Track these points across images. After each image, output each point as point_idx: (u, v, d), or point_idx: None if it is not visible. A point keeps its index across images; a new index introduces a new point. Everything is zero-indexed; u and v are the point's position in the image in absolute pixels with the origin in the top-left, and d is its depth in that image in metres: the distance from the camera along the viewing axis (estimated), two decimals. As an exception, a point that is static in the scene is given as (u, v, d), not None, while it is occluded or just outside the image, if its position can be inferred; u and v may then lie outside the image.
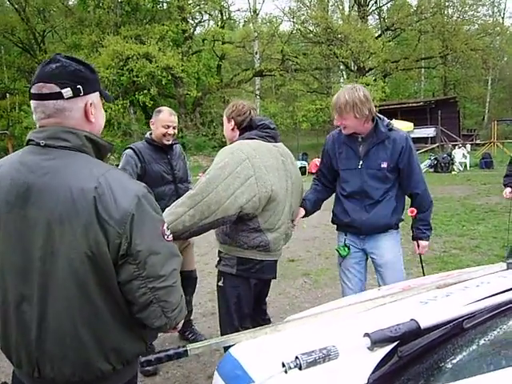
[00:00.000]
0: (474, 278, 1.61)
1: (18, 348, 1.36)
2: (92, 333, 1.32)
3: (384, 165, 2.73)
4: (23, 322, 1.32)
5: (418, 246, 3.07)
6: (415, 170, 2.81)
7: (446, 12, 33.31)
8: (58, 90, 1.32)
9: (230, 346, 1.66)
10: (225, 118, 2.71)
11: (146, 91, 24.19)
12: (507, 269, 1.67)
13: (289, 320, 1.55)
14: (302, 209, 2.86)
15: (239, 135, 2.63)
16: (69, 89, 1.33)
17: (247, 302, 2.62)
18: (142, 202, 1.30)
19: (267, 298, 4.71)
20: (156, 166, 3.43)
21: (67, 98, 1.34)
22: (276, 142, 2.63)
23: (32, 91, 1.34)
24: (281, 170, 2.49)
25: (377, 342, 1.16)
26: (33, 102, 1.35)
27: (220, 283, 2.63)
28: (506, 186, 5.13)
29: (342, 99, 2.65)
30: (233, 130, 2.66)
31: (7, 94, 32.87)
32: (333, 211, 2.98)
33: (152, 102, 24.60)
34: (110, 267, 1.28)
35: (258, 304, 2.85)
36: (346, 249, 2.87)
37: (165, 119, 3.46)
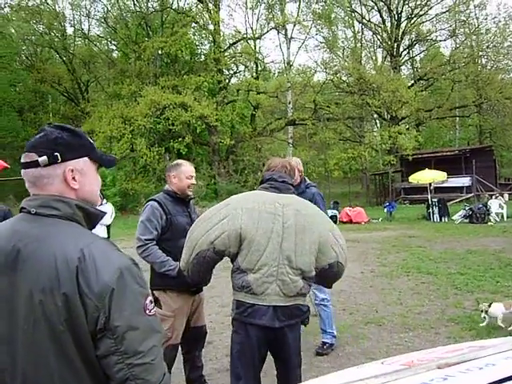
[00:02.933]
0: (478, 357, 1.51)
1: None
2: None
3: None
4: None
5: None
6: None
7: (479, 61, 33.38)
8: (36, 158, 1.35)
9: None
10: None
11: (181, 139, 24.83)
12: (518, 347, 1.56)
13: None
14: None
15: None
16: (45, 157, 1.35)
17: (249, 348, 2.67)
18: (125, 276, 1.28)
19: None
20: (180, 218, 3.47)
21: (44, 166, 1.35)
22: (281, 192, 2.79)
23: (21, 161, 1.39)
24: (264, 213, 2.62)
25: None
26: (21, 171, 1.40)
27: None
28: None
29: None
30: (260, 184, 2.95)
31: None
32: None
33: (186, 150, 25.24)
34: (88, 340, 1.26)
35: (280, 361, 2.87)
36: None
37: (188, 170, 3.53)
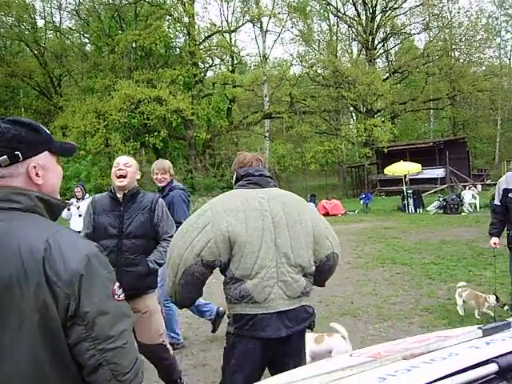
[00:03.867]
0: (443, 347, 1.51)
1: None
2: None
3: None
4: None
5: None
6: None
7: (452, 54, 33.91)
8: None
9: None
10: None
11: (156, 133, 24.59)
12: (483, 336, 1.57)
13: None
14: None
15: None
16: (5, 157, 1.33)
17: (249, 363, 2.37)
18: (92, 262, 1.30)
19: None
20: (102, 217, 3.26)
21: (5, 166, 1.34)
22: (262, 187, 2.52)
23: None
24: (250, 211, 2.36)
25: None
26: None
27: (225, 344, 2.45)
28: (491, 235, 4.85)
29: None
30: (236, 182, 2.64)
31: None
32: None
33: (162, 144, 25.03)
34: (59, 330, 1.26)
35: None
36: None
37: (117, 161, 3.38)
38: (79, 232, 2.85)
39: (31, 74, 31.22)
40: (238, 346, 2.36)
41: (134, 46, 27.66)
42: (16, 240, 1.28)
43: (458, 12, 33.63)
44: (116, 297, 1.34)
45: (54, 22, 33.96)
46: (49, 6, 33.35)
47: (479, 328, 1.64)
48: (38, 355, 1.26)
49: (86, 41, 34.91)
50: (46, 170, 1.41)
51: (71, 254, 1.28)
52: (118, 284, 1.37)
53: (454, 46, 33.22)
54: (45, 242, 1.27)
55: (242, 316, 2.33)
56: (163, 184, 4.38)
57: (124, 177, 3.27)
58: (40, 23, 33.47)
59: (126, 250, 3.23)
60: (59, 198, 1.48)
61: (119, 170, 3.27)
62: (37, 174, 1.38)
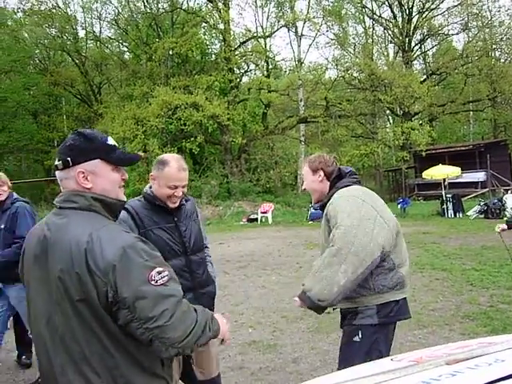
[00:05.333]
0: (487, 353, 1.50)
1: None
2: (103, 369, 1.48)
3: None
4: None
5: None
6: None
7: (493, 54, 32.96)
8: (56, 163, 1.61)
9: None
10: (307, 171, 2.74)
11: (193, 139, 24.91)
12: (529, 342, 1.55)
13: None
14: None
15: (330, 185, 2.68)
16: (60, 162, 1.60)
17: (386, 351, 2.49)
18: (128, 253, 1.45)
19: (300, 353, 4.60)
20: (159, 231, 2.60)
21: (61, 169, 1.61)
22: (361, 184, 2.76)
23: None
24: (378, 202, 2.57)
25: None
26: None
27: (356, 338, 2.45)
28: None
29: None
30: (321, 181, 2.70)
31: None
32: None
33: (198, 149, 25.31)
34: (104, 313, 1.45)
35: None
36: None
37: (172, 176, 2.56)
38: None
39: (73, 82, 32.35)
40: (380, 335, 2.46)
41: (170, 53, 28.09)
42: (68, 235, 1.50)
43: (499, 11, 32.91)
44: (153, 282, 1.46)
45: (94, 31, 34.95)
46: (89, 16, 34.46)
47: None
48: (92, 334, 1.46)
49: (125, 49, 35.83)
50: (96, 176, 1.60)
51: (109, 246, 1.45)
52: (157, 270, 1.48)
53: (494, 46, 32.25)
54: (88, 235, 1.46)
55: (388, 304, 2.43)
56: (2, 198, 4.07)
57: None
58: (81, 33, 34.55)
59: (195, 268, 2.70)
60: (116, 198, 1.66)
61: (175, 196, 2.61)
62: (86, 178, 1.59)
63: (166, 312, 1.45)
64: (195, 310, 1.58)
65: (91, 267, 1.42)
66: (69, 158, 1.58)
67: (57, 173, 1.62)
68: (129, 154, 1.73)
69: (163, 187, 2.57)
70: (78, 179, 1.58)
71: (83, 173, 1.58)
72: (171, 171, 2.54)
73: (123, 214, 2.48)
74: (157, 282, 1.47)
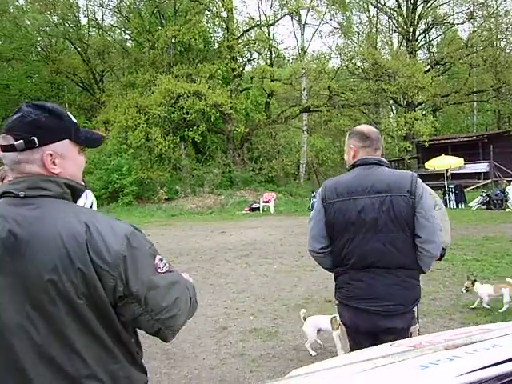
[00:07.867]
0: (486, 339, 1.51)
1: None
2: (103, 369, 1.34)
3: None
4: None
5: None
6: None
7: (498, 44, 32.67)
8: (12, 142, 1.31)
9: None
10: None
11: (195, 127, 24.87)
12: (528, 329, 1.56)
13: (292, 376, 1.51)
14: None
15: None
16: (21, 141, 1.31)
17: None
18: (131, 242, 1.32)
19: (301, 341, 4.63)
20: None
21: (21, 151, 1.31)
22: None
23: None
24: None
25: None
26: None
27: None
28: None
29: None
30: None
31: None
32: None
33: (201, 138, 25.26)
34: (110, 311, 1.31)
35: None
36: None
37: None
38: None
39: (75, 70, 32.18)
40: None
41: (173, 41, 27.91)
42: (54, 227, 1.27)
43: (505, 0, 32.36)
44: (160, 270, 1.37)
45: (96, 19, 34.73)
46: (92, 4, 34.19)
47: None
48: (94, 338, 1.30)
49: (127, 37, 35.63)
50: (65, 159, 1.38)
51: (111, 236, 1.29)
52: (159, 257, 1.39)
53: (499, 36, 31.96)
54: (84, 225, 1.28)
55: None
56: None
57: None
58: (83, 21, 34.35)
59: None
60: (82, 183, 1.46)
61: None
62: (53, 163, 1.35)
63: (177, 300, 1.39)
64: (187, 288, 1.48)
65: (95, 261, 1.26)
66: (34, 138, 1.31)
67: (9, 154, 1.33)
68: (94, 133, 1.50)
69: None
70: (46, 163, 1.33)
71: (51, 155, 1.34)
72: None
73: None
74: (162, 269, 1.38)
